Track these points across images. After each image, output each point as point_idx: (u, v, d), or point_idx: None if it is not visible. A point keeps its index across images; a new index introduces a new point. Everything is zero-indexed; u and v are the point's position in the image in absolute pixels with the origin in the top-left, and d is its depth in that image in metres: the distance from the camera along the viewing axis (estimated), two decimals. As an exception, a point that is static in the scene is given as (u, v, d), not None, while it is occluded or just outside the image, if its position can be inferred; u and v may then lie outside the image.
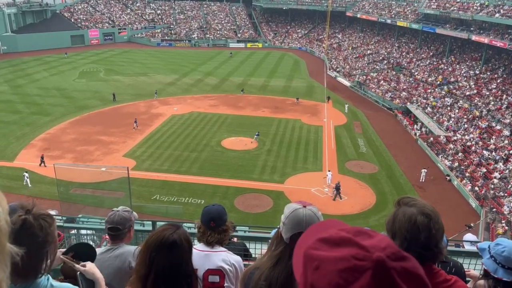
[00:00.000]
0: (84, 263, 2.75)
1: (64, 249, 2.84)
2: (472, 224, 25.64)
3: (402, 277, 0.85)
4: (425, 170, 33.16)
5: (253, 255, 4.92)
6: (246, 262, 4.49)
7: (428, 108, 47.52)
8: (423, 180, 32.87)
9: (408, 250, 1.96)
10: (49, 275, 2.14)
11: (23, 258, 2.02)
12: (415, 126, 44.99)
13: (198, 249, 3.13)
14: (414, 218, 2.03)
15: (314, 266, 0.91)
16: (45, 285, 2.08)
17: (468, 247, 6.41)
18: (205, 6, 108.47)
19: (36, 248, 1.99)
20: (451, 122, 42.99)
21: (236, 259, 3.25)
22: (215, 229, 3.23)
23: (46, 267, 2.08)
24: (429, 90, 52.52)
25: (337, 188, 29.50)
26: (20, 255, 1.25)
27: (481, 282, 2.82)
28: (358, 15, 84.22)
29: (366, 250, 0.87)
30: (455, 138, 39.41)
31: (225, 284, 3.13)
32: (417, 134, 42.48)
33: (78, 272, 2.67)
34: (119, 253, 3.54)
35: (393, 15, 74.74)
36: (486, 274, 2.76)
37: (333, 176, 31.96)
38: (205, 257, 3.11)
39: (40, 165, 32.44)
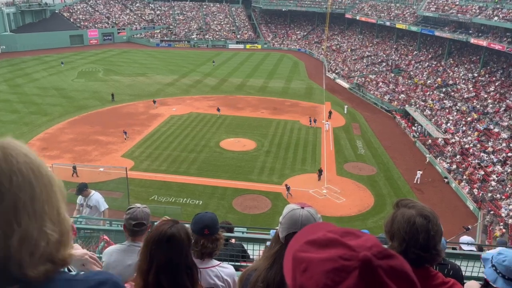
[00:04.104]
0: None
1: None
2: (469, 226, 25.69)
3: (389, 275, 0.85)
4: (420, 172, 33.26)
5: (251, 256, 4.91)
6: (244, 263, 4.49)
7: (427, 111, 47.62)
8: (417, 182, 32.97)
9: (407, 252, 1.96)
10: None
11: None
12: (413, 127, 45.10)
13: None
14: (413, 219, 2.03)
15: (302, 268, 0.91)
16: None
17: (465, 248, 6.42)
18: (205, 7, 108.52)
19: None
20: (449, 124, 43.08)
21: (228, 272, 3.11)
22: (209, 237, 3.05)
23: None
24: (428, 93, 52.64)
25: (288, 188, 29.79)
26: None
27: None
28: (357, 17, 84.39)
29: (353, 249, 0.88)
30: (453, 140, 39.48)
31: None
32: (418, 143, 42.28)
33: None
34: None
35: (392, 18, 74.92)
36: (486, 284, 2.70)
37: (330, 126, 41.68)
38: None
39: (72, 175, 30.13)
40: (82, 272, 1.23)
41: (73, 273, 1.21)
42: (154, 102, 50.22)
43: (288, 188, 29.61)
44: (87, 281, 1.09)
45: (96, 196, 8.77)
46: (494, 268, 2.61)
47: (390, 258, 0.88)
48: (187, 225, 3.28)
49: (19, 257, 1.00)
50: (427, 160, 37.38)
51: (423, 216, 2.04)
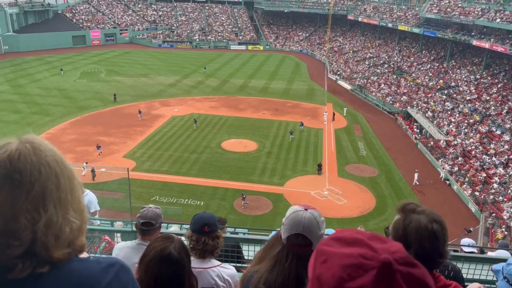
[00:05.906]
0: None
1: None
2: (471, 229, 25.56)
3: (407, 282, 0.86)
4: (417, 174, 33.18)
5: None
6: (244, 264, 4.48)
7: (429, 112, 47.55)
8: (417, 183, 32.89)
9: (427, 260, 1.92)
10: None
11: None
12: (415, 128, 45.01)
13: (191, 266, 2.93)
14: (431, 226, 1.99)
15: (322, 259, 0.95)
16: None
17: (467, 250, 6.40)
18: (207, 8, 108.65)
19: None
20: (451, 126, 42.99)
21: (230, 273, 3.14)
22: (209, 234, 3.08)
23: None
24: (430, 95, 52.56)
25: (244, 197, 29.01)
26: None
27: None
28: (360, 19, 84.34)
29: (375, 251, 0.90)
30: (455, 142, 39.40)
31: None
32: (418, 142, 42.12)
33: None
34: None
35: (394, 19, 74.84)
36: None
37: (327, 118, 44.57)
38: (198, 275, 2.89)
39: (93, 179, 30.03)
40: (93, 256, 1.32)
41: (85, 256, 1.30)
42: (140, 112, 45.98)
43: (244, 198, 28.79)
44: (99, 262, 1.18)
45: (89, 196, 8.71)
46: (506, 280, 2.51)
47: (412, 266, 0.89)
48: (188, 226, 3.29)
49: (45, 240, 1.10)
50: (441, 175, 35.04)
51: (437, 222, 2.02)
